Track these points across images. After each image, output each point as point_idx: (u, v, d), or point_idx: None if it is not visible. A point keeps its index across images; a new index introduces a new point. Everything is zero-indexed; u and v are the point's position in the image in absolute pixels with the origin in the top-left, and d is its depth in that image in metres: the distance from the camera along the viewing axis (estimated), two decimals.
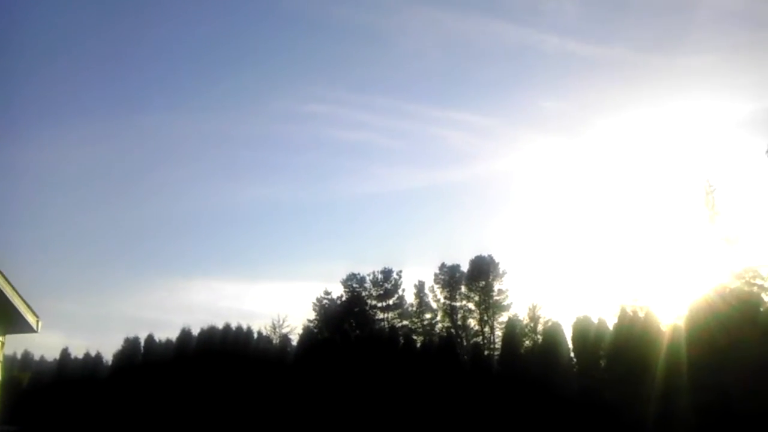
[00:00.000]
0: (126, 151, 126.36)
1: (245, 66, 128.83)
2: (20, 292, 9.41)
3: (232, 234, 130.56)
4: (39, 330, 10.11)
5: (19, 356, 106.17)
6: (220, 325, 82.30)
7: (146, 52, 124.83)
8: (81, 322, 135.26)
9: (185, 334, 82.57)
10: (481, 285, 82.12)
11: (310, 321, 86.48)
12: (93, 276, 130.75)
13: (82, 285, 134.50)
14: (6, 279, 8.99)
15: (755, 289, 52.63)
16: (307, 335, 79.52)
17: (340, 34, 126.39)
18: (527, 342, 73.83)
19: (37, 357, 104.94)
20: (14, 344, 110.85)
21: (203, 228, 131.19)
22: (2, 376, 9.52)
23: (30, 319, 9.81)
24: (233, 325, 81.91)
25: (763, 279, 52.99)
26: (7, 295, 9.14)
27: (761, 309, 49.20)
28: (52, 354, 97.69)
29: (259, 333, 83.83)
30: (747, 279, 53.32)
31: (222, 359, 74.92)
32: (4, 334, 9.65)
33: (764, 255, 53.11)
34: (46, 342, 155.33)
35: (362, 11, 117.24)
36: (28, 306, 9.69)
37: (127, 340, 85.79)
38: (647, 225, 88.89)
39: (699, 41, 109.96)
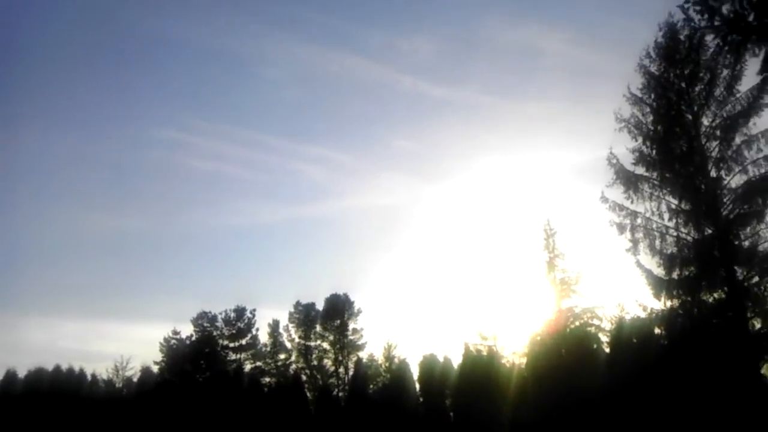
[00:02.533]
0: None
1: (98, 87, 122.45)
2: None
3: (74, 267, 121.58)
4: None
5: None
6: (50, 367, 75.98)
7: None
8: None
9: (10, 376, 75.58)
10: (336, 324, 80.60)
11: (156, 362, 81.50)
12: None
13: None
14: None
15: (593, 329, 54.19)
16: (146, 377, 74.61)
17: (197, 58, 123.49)
18: (379, 380, 73.09)
19: None
20: None
21: (41, 260, 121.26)
22: None
23: None
24: (65, 368, 75.89)
25: (599, 319, 54.65)
26: None
27: (595, 347, 50.72)
28: None
29: (94, 375, 78.14)
30: (585, 319, 54.86)
31: (50, 403, 68.99)
32: None
33: (599, 296, 55.07)
34: None
35: (221, 36, 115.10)
36: None
37: None
38: (495, 264, 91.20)
39: (543, 88, 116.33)
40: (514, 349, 60.99)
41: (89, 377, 78.44)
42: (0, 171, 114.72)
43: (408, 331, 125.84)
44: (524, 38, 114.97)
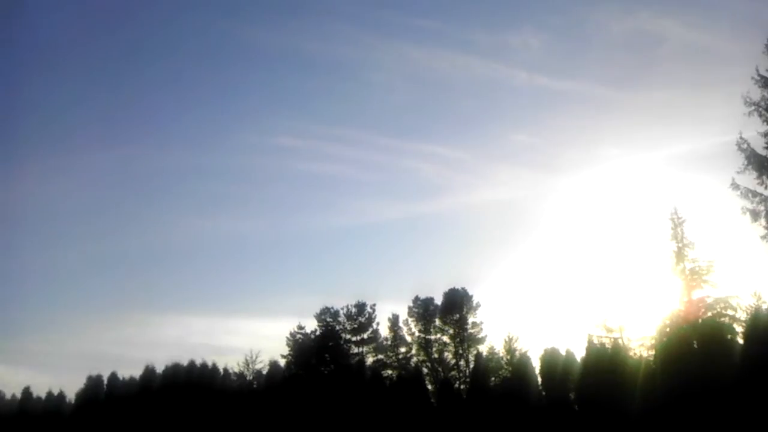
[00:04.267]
0: (91, 187, 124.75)
1: (215, 99, 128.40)
2: None
3: (203, 268, 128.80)
4: None
5: None
6: (185, 362, 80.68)
7: (126, 87, 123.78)
8: (44, 360, 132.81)
9: (149, 372, 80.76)
10: (455, 318, 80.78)
11: (283, 356, 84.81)
12: (58, 313, 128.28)
13: (46, 323, 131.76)
14: None
15: (726, 319, 51.76)
16: (275, 371, 77.66)
17: (312, 69, 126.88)
18: (501, 373, 72.57)
19: (8, 395, 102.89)
20: None
21: (174, 263, 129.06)
22: None
23: None
24: (198, 362, 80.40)
25: (733, 309, 52.11)
26: None
27: (729, 338, 48.29)
28: (16, 392, 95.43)
29: (226, 369, 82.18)
30: (718, 310, 52.44)
31: (186, 396, 73.23)
32: None
33: (732, 286, 52.16)
34: (10, 380, 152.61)
35: (334, 47, 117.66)
36: None
37: (89, 378, 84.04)
38: (618, 257, 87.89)
39: (663, 76, 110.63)
40: (641, 341, 59.11)
41: (221, 371, 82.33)
42: (132, 184, 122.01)
43: (528, 324, 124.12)
44: (637, 25, 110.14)
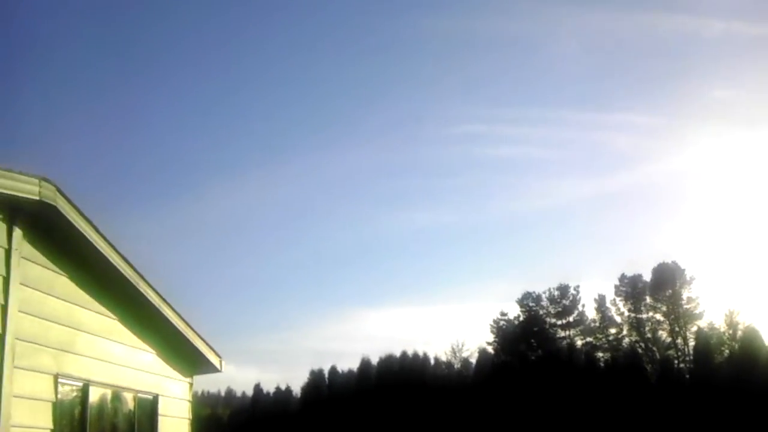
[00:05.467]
0: (293, 191, 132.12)
1: (396, 95, 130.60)
2: (205, 337, 9.68)
3: (403, 262, 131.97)
4: (222, 369, 10.37)
5: (222, 393, 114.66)
6: (397, 353, 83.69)
7: (301, 90, 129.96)
8: (272, 358, 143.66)
9: (365, 364, 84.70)
10: (667, 294, 76.72)
11: (489, 343, 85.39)
12: (281, 313, 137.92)
13: (272, 323, 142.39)
14: (187, 324, 9.24)
15: None
16: (484, 359, 78.47)
17: (480, 50, 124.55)
18: (725, 351, 68.20)
19: (238, 393, 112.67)
20: (217, 382, 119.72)
21: (373, 258, 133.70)
22: (193, 414, 9.77)
23: (213, 359, 10.05)
24: (410, 352, 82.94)
25: None
26: (190, 339, 9.36)
27: None
28: (249, 389, 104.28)
29: (436, 359, 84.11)
30: None
31: (401, 388, 75.91)
32: (191, 375, 9.92)
33: None
34: (244, 378, 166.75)
35: (502, 23, 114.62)
36: (211, 347, 9.93)
37: (312, 373, 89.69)
38: None
39: None
40: None
41: (432, 360, 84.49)
42: (326, 187, 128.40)
43: (752, 296, 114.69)
44: None
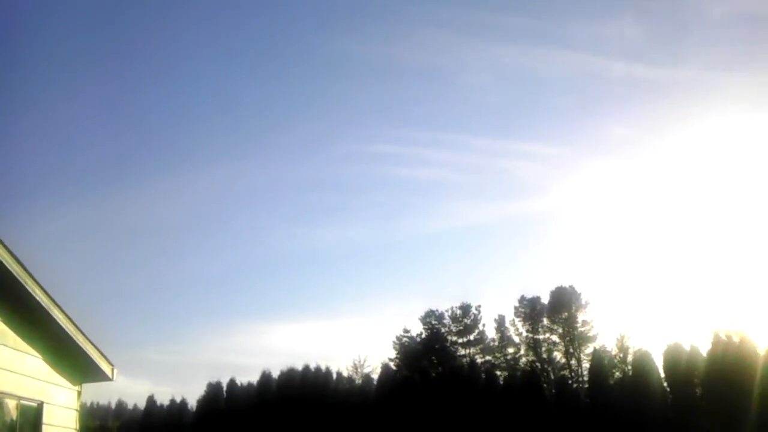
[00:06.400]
0: (198, 202, 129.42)
1: (310, 111, 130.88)
2: (97, 344, 9.18)
3: (307, 277, 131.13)
4: (114, 378, 9.85)
5: (113, 405, 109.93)
6: (299, 367, 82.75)
7: (211, 101, 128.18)
8: (167, 370, 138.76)
9: (265, 378, 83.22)
10: (563, 316, 79.34)
11: (390, 359, 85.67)
12: (176, 324, 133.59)
13: (167, 334, 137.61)
14: (78, 328, 8.72)
15: None
16: (386, 375, 78.68)
17: (400, 76, 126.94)
18: (617, 373, 70.98)
19: (130, 405, 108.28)
20: (108, 394, 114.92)
21: (278, 272, 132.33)
22: (80, 424, 9.22)
23: (104, 367, 9.54)
24: (312, 366, 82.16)
25: None
26: (80, 344, 8.85)
27: None
28: (142, 401, 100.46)
29: (338, 373, 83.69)
30: None
31: (302, 402, 75.01)
32: (80, 383, 9.37)
33: None
34: (137, 390, 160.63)
35: (421, 52, 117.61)
36: (103, 354, 9.42)
37: (209, 385, 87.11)
38: (732, 247, 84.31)
39: None
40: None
41: (334, 375, 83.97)
42: (237, 198, 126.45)
43: (641, 320, 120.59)
44: (738, 8, 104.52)
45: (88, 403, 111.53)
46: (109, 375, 9.65)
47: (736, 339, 56.17)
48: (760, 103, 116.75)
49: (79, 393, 9.27)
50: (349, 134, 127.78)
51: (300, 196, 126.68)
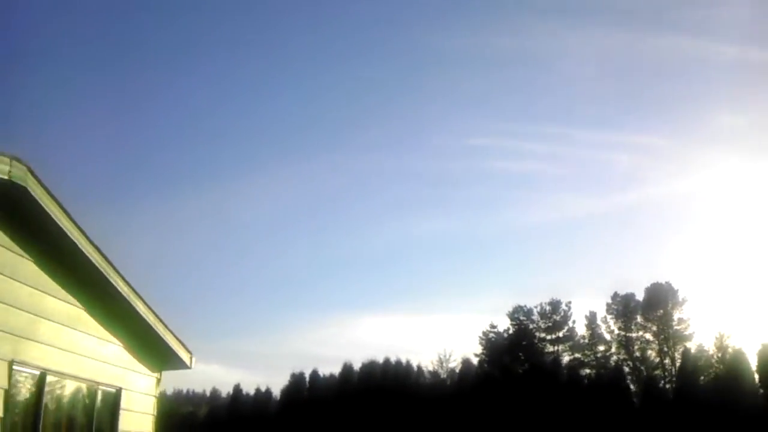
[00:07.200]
0: (293, 196, 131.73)
1: (406, 105, 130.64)
2: (178, 334, 9.48)
3: (399, 269, 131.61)
4: (192, 366, 10.11)
5: (208, 393, 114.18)
6: (380, 360, 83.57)
7: (309, 95, 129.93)
8: (256, 360, 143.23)
9: (347, 369, 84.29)
10: (658, 314, 76.61)
11: (476, 355, 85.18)
12: (270, 316, 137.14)
13: (261, 325, 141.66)
14: (159, 318, 9.02)
15: None
16: (467, 370, 78.26)
17: (497, 65, 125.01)
18: (712, 372, 68.15)
19: (224, 394, 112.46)
20: (203, 382, 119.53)
21: (371, 265, 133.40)
22: (158, 410, 9.53)
23: (183, 355, 9.82)
24: (393, 360, 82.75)
25: None
26: (161, 334, 9.15)
27: None
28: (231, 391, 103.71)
29: (419, 367, 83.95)
30: None
31: (382, 394, 75.64)
32: (160, 370, 9.68)
33: None
34: (230, 379, 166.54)
35: (519, 39, 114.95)
36: (182, 343, 9.70)
37: (293, 376, 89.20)
38: None
39: None
40: None
41: (415, 368, 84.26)
42: (332, 190, 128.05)
43: (742, 319, 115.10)
44: None
45: (184, 391, 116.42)
46: (188, 363, 9.92)
47: None
48: None
49: (158, 380, 9.57)
50: (444, 127, 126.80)
51: (395, 188, 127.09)
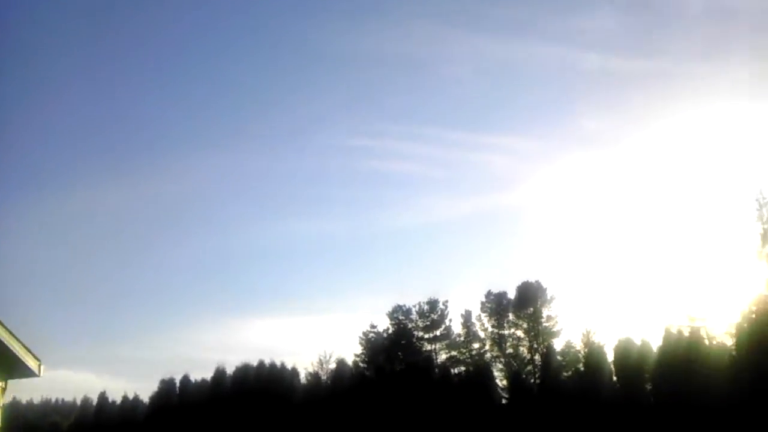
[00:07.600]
0: (168, 195, 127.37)
1: (287, 103, 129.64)
2: (22, 339, 8.53)
3: (281, 270, 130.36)
4: (41, 374, 9.20)
5: (78, 401, 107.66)
6: (254, 363, 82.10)
7: (189, 93, 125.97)
8: (129, 365, 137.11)
9: (219, 374, 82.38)
10: (529, 312, 79.46)
11: (357, 355, 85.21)
12: (134, 319, 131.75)
13: (123, 330, 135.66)
14: (2, 325, 8.02)
15: None
16: (341, 371, 78.35)
17: (378, 67, 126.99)
18: (577, 367, 71.56)
19: (95, 401, 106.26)
20: (74, 391, 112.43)
21: (245, 265, 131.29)
22: (2, 423, 8.52)
23: (31, 363, 8.90)
24: (267, 362, 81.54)
25: None
26: (4, 341, 8.17)
27: None
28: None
29: (294, 369, 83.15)
30: None
31: (256, 397, 74.34)
32: (4, 379, 8.65)
33: None
34: (98, 386, 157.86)
35: (400, 43, 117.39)
36: (28, 350, 8.80)
37: (162, 382, 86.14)
38: (699, 241, 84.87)
39: (743, 50, 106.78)
40: (723, 329, 56.95)
41: (292, 371, 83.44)
42: (208, 189, 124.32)
43: (606, 316, 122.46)
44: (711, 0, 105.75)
45: (52, 400, 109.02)
46: (36, 371, 9.01)
47: (686, 333, 56.45)
48: (733, 95, 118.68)
49: (2, 389, 8.60)
50: (328, 126, 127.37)
51: (272, 188, 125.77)
